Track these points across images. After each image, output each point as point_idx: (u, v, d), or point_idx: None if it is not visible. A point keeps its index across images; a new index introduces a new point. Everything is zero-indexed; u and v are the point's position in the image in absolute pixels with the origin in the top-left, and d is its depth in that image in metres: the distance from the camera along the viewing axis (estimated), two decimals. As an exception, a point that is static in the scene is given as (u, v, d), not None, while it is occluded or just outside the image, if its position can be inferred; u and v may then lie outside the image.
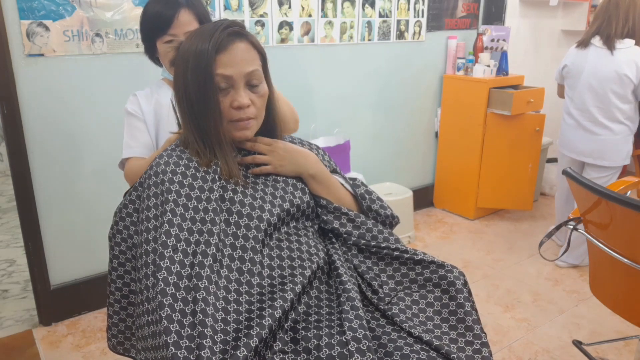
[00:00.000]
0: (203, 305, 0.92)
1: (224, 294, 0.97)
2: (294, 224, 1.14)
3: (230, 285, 0.99)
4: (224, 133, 1.10)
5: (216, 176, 1.09)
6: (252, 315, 0.96)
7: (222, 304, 0.95)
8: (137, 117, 1.48)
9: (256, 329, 0.93)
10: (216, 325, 0.92)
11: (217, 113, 1.07)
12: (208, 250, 0.99)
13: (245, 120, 1.11)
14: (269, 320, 0.94)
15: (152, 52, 1.50)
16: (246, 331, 0.93)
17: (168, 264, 0.96)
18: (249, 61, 1.08)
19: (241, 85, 1.08)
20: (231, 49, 1.06)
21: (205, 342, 0.89)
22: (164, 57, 1.45)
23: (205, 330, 0.90)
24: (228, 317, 0.94)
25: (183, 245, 0.98)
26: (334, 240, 1.18)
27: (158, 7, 1.39)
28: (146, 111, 1.49)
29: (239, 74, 1.07)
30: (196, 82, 1.05)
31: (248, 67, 1.08)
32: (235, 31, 1.08)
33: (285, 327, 0.96)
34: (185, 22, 1.39)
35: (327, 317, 1.02)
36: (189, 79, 1.06)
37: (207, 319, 0.91)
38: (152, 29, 1.41)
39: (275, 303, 0.97)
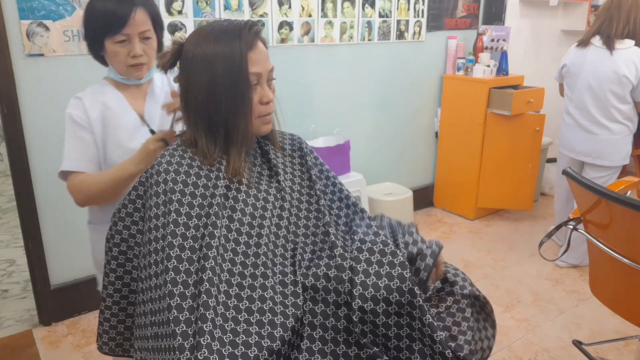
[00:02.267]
0: (208, 286, 0.94)
1: (227, 277, 0.99)
2: (293, 228, 1.14)
3: (234, 268, 1.00)
4: (251, 129, 1.12)
5: (220, 174, 1.09)
6: (264, 307, 0.98)
7: (224, 286, 0.97)
8: (83, 126, 1.36)
9: (267, 328, 0.94)
10: (217, 318, 0.93)
11: (249, 110, 1.09)
12: (212, 242, 1.00)
13: (270, 115, 1.14)
14: (281, 318, 0.95)
15: (97, 51, 1.38)
16: (245, 326, 0.94)
17: (175, 264, 0.97)
18: (268, 58, 1.12)
19: (265, 81, 1.11)
20: (256, 48, 1.09)
21: (206, 326, 0.90)
22: (113, 57, 1.35)
23: (207, 312, 0.91)
24: (229, 302, 0.96)
25: (190, 243, 0.99)
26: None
27: (110, 5, 1.29)
28: (93, 118, 1.37)
29: (265, 71, 1.10)
30: (229, 82, 1.06)
31: (269, 64, 1.12)
32: (258, 30, 1.11)
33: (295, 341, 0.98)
34: (141, 22, 1.32)
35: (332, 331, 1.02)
36: (219, 80, 1.05)
37: (209, 311, 0.92)
38: (103, 28, 1.31)
39: (286, 307, 0.98)
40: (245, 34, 1.06)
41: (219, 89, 1.06)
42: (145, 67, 1.38)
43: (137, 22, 1.31)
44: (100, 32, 1.32)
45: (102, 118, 1.38)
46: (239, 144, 1.10)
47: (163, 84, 1.48)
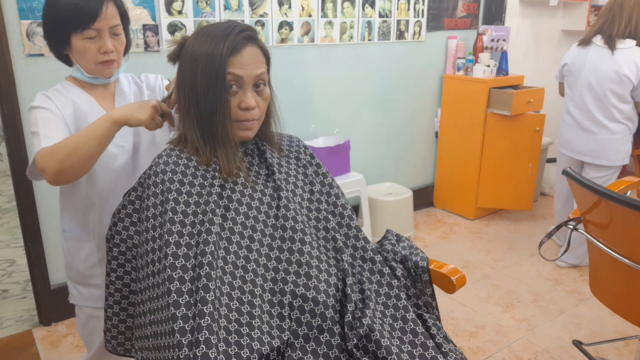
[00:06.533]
0: (205, 280, 0.94)
1: (220, 274, 0.99)
2: (291, 225, 1.14)
3: (226, 267, 1.00)
4: (230, 132, 1.11)
5: (216, 173, 1.10)
6: (254, 312, 0.97)
7: (218, 282, 0.97)
8: (51, 111, 1.26)
9: (257, 332, 0.93)
10: (215, 313, 0.93)
11: (226, 112, 1.08)
12: (209, 238, 1.01)
13: (250, 121, 1.12)
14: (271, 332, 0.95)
15: (61, 50, 1.30)
16: (247, 329, 0.94)
17: (172, 261, 0.97)
18: (258, 64, 1.10)
19: (249, 87, 1.10)
20: (243, 52, 1.08)
21: (204, 322, 0.90)
22: (81, 55, 1.27)
23: (205, 307, 0.92)
24: (232, 304, 0.96)
25: (187, 239, 1.00)
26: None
27: None
28: (67, 114, 1.28)
29: (249, 75, 1.08)
30: (207, 80, 1.06)
31: (257, 70, 1.10)
32: (249, 35, 1.10)
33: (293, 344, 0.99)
34: (112, 16, 1.26)
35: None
36: (198, 77, 1.06)
37: (206, 306, 0.93)
38: (71, 22, 1.23)
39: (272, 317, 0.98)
40: (232, 37, 1.06)
41: (198, 88, 1.07)
42: (115, 64, 1.31)
43: (108, 16, 1.25)
44: (67, 27, 1.24)
45: (75, 118, 1.30)
46: (222, 145, 1.10)
47: (130, 83, 1.42)
